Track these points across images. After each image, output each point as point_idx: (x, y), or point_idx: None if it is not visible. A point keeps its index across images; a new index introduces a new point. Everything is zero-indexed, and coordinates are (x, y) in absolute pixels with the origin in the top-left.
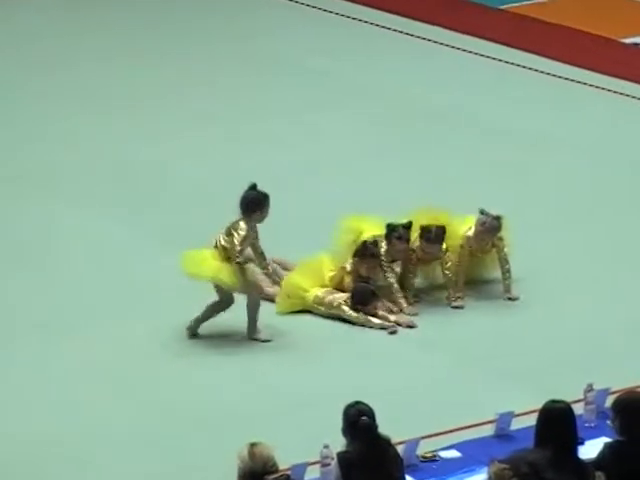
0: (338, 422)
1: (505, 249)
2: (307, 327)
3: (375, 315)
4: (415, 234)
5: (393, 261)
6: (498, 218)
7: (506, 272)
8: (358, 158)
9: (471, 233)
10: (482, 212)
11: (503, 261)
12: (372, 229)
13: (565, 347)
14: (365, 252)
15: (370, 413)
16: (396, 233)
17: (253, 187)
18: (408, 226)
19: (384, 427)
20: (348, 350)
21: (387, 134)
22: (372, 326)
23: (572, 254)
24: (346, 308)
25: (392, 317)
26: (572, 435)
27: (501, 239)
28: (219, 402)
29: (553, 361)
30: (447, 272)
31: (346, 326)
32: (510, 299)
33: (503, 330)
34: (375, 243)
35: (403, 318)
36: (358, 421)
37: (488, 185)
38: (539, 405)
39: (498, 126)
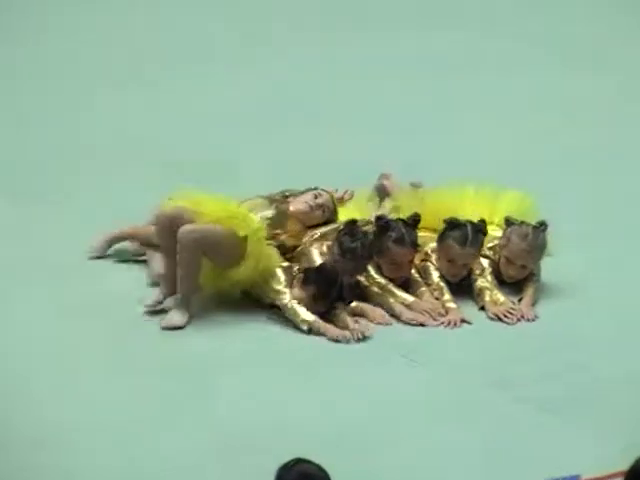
0: None
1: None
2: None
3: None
4: (424, 233)
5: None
6: (544, 229)
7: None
8: None
9: (505, 247)
10: (519, 221)
11: (531, 284)
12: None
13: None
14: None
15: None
16: (393, 232)
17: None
18: (414, 221)
19: None
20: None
21: None
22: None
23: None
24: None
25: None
26: None
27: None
28: None
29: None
30: (481, 281)
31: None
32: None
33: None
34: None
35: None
36: None
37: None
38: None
39: None
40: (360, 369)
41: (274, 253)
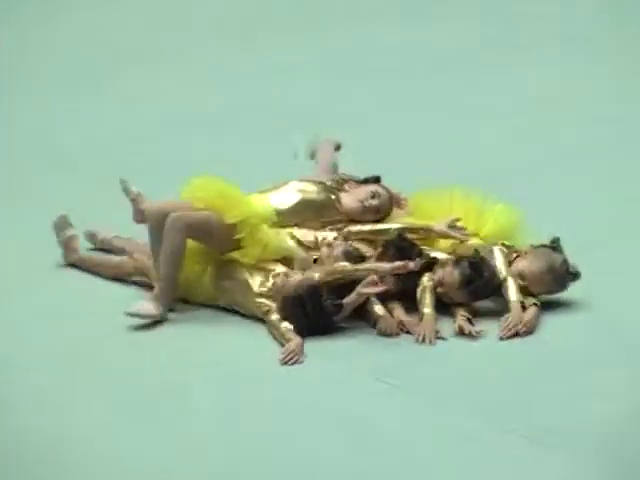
0: None
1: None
2: None
3: None
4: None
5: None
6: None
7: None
8: None
9: (525, 268)
10: (554, 243)
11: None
12: None
13: None
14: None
15: None
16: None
17: None
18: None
19: None
20: None
21: None
22: None
23: None
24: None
25: None
26: None
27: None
28: None
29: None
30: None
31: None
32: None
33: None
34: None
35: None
36: None
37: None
38: None
39: None
40: (331, 394)
41: (282, 239)
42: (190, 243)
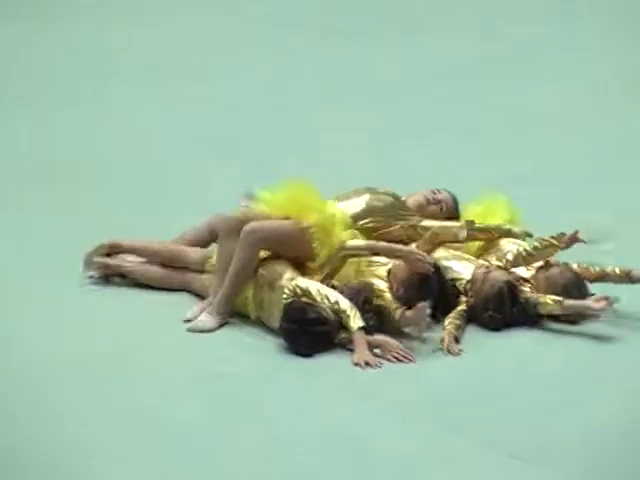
0: None
1: None
2: None
3: None
4: None
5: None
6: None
7: None
8: None
9: (540, 290)
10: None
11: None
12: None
13: None
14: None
15: None
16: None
17: None
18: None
19: None
20: None
21: None
22: None
23: None
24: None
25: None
26: None
27: None
28: None
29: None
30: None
31: None
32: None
33: None
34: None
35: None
36: None
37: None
38: None
39: None
40: (312, 412)
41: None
42: None
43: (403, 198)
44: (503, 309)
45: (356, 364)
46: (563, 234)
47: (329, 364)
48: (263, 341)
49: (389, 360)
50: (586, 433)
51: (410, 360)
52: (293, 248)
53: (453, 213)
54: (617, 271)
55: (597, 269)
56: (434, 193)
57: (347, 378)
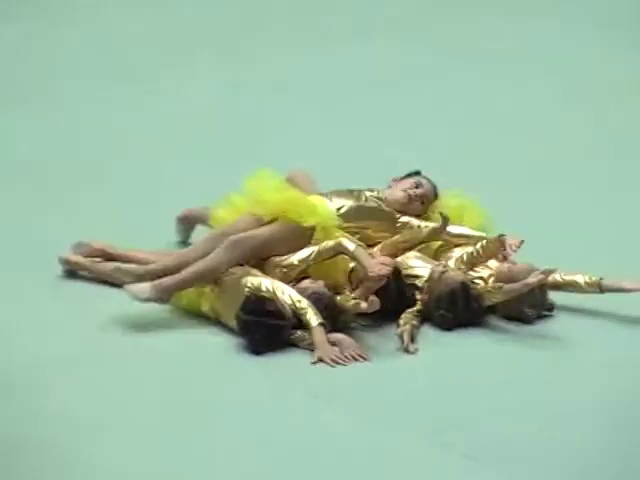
0: None
1: None
2: None
3: None
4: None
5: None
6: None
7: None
8: None
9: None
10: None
11: None
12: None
13: None
14: None
15: None
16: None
17: None
18: None
19: None
20: None
21: None
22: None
23: None
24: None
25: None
26: None
27: None
28: None
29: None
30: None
31: None
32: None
33: None
34: None
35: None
36: None
37: None
38: None
39: None
40: (265, 411)
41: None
42: None
43: (382, 194)
44: (455, 309)
45: (320, 360)
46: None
47: (280, 363)
48: (212, 340)
49: (346, 359)
50: (540, 433)
51: (365, 359)
52: (284, 248)
53: (433, 203)
54: (587, 280)
55: (567, 278)
56: (416, 187)
57: (299, 377)
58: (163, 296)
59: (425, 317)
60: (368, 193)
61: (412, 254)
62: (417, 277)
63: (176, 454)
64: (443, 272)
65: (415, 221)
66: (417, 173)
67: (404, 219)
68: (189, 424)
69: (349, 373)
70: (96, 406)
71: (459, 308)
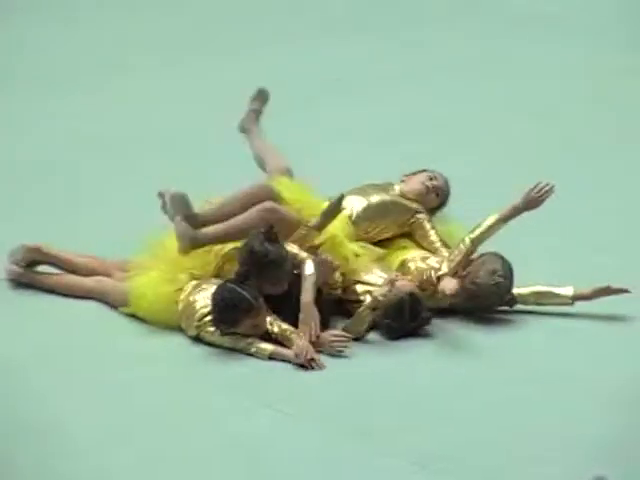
0: None
1: None
2: None
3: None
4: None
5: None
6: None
7: None
8: None
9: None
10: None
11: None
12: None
13: None
14: None
15: None
16: None
17: None
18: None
19: None
20: None
21: None
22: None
23: None
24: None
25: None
26: None
27: None
28: None
29: None
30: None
31: None
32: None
33: None
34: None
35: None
36: None
37: None
38: None
39: None
40: (220, 420)
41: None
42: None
43: (397, 187)
44: (401, 320)
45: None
46: None
47: (231, 370)
48: (169, 348)
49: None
50: (489, 439)
51: (317, 365)
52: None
53: (446, 198)
54: (526, 291)
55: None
56: (431, 179)
57: (250, 383)
58: (193, 240)
59: (373, 326)
60: (397, 187)
61: (374, 265)
62: (371, 285)
63: (123, 463)
64: (394, 281)
65: (427, 223)
66: (423, 171)
67: (420, 216)
68: (137, 432)
69: (299, 379)
70: (45, 411)
71: (405, 319)
